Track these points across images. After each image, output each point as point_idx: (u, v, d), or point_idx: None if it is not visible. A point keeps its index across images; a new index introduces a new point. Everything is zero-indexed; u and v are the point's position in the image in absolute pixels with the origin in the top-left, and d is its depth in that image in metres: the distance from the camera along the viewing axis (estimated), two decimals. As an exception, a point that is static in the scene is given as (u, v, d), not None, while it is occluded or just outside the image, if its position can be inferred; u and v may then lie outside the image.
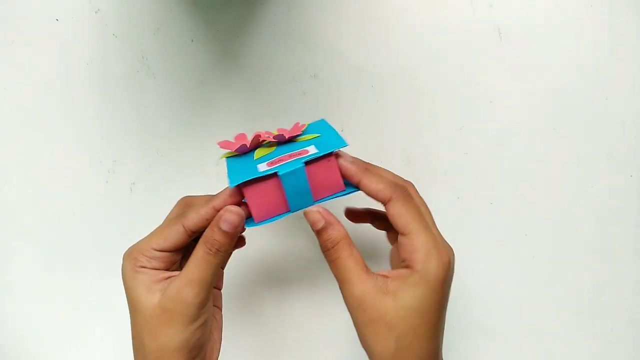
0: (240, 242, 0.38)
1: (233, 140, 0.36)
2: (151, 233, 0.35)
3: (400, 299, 0.31)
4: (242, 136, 0.37)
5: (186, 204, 0.37)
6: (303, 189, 0.33)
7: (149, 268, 0.33)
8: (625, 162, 0.46)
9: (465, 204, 0.46)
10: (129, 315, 0.34)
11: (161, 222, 0.36)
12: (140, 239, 0.35)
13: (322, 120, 0.38)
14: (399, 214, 0.32)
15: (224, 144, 0.35)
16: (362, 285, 0.31)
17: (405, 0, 0.45)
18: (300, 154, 0.33)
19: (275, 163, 0.33)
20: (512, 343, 0.48)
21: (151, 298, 0.32)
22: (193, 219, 0.33)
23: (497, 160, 0.46)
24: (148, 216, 0.48)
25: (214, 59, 0.46)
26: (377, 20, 0.45)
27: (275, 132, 0.37)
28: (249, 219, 0.34)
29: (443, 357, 0.34)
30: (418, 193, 0.35)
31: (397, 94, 0.46)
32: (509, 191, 0.46)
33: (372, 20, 0.45)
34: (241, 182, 0.32)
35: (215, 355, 0.36)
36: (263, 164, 0.33)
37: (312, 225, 0.33)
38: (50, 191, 0.48)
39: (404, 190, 0.33)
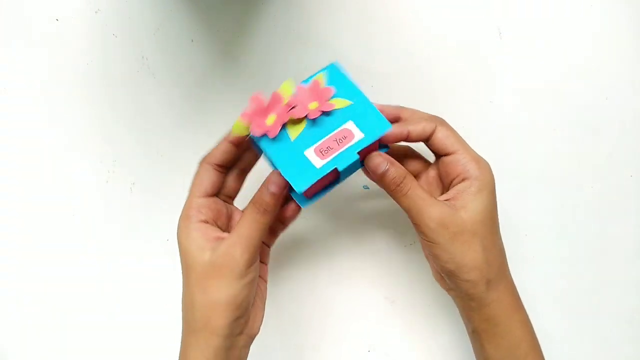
0: (287, 214, 0.40)
1: (248, 108, 0.35)
2: (189, 189, 0.38)
3: (471, 209, 0.35)
4: (257, 99, 0.34)
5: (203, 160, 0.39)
6: (354, 168, 0.36)
7: (202, 221, 0.36)
8: (625, 162, 0.46)
9: (465, 204, 0.46)
10: (181, 274, 0.37)
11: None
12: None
13: (332, 66, 0.37)
14: (447, 135, 0.37)
15: (246, 117, 0.34)
16: (437, 206, 0.35)
17: (406, 0, 0.45)
18: (345, 136, 0.35)
19: (325, 152, 0.34)
20: (512, 343, 0.48)
21: (202, 255, 0.35)
22: (214, 154, 0.37)
23: (497, 160, 0.46)
24: (148, 216, 0.48)
25: (214, 59, 0.46)
26: (377, 20, 0.45)
27: (291, 92, 0.35)
28: (302, 198, 0.37)
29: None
30: None
31: (397, 94, 0.46)
32: (509, 191, 0.46)
33: (372, 20, 0.45)
34: (309, 186, 0.34)
35: (257, 324, 0.38)
36: (310, 150, 0.34)
37: (375, 169, 0.36)
38: (50, 191, 0.48)
39: (442, 119, 0.38)
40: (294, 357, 0.49)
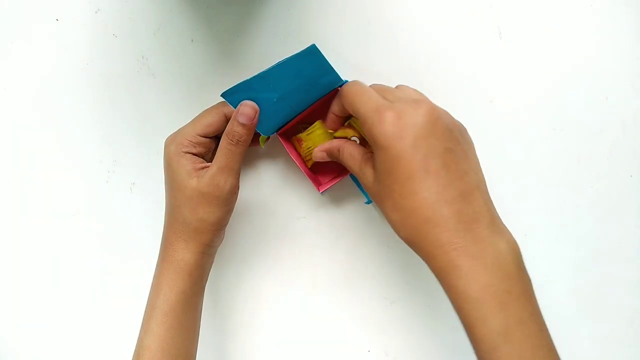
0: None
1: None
2: (192, 122, 0.41)
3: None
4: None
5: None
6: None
7: (192, 154, 0.40)
8: (625, 162, 0.46)
9: (465, 204, 0.46)
10: (165, 190, 0.41)
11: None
12: (182, 127, 0.41)
13: (313, 46, 0.39)
14: (341, 94, 0.39)
15: None
16: None
17: (406, 0, 0.45)
18: None
19: None
20: (512, 343, 0.48)
21: (190, 181, 0.39)
22: (235, 113, 0.40)
23: (497, 160, 0.46)
24: (148, 216, 0.48)
25: (214, 59, 0.46)
26: (377, 20, 0.45)
27: None
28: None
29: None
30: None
31: (397, 94, 0.46)
32: (509, 191, 0.46)
33: (372, 20, 0.45)
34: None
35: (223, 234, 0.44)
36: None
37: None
38: (50, 191, 0.48)
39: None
40: (294, 356, 0.49)
